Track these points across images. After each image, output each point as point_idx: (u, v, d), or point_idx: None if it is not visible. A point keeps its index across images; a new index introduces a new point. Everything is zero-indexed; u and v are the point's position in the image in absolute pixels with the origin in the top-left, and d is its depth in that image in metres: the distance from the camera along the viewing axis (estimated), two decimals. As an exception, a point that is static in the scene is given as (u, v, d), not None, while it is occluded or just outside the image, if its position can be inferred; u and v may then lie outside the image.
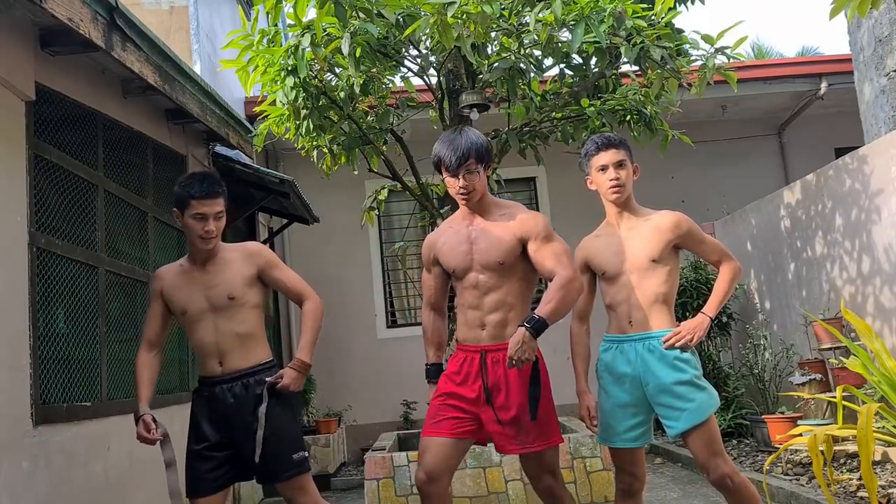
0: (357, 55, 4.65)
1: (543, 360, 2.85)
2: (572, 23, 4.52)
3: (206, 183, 2.97)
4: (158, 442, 2.92)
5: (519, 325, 2.67)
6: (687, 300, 6.75)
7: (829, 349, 5.70)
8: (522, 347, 2.60)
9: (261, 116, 5.60)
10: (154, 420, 2.93)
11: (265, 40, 4.94)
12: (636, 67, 5.02)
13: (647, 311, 2.86)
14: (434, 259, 3.01)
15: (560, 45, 4.92)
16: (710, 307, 2.87)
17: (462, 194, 2.84)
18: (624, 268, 2.91)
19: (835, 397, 4.01)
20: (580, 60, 5.45)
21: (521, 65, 4.98)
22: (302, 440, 3.01)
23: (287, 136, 5.48)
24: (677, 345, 2.77)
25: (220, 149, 6.36)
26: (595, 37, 4.48)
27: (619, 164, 2.92)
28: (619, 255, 2.92)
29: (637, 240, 2.91)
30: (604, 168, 2.93)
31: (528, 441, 2.79)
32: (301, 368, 2.97)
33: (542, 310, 2.66)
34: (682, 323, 2.85)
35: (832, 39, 32.58)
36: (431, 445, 2.80)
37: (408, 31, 4.39)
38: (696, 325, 2.81)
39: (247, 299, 3.01)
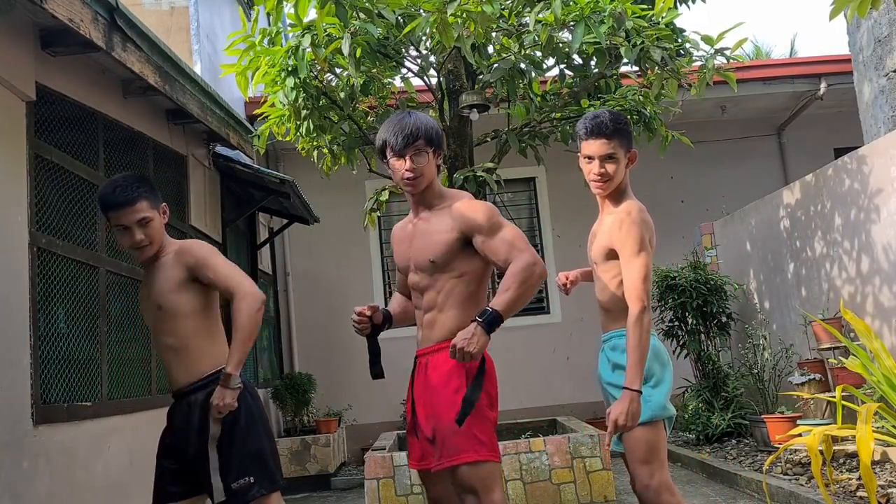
0: (357, 55, 4.66)
1: (492, 363, 2.54)
2: (572, 23, 4.53)
3: (118, 190, 2.69)
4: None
5: (472, 320, 2.39)
6: (686, 300, 6.75)
7: (829, 349, 5.71)
8: (471, 340, 2.33)
9: (261, 118, 5.61)
10: None
11: (266, 40, 4.95)
12: (636, 68, 5.03)
13: (602, 313, 2.70)
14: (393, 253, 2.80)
15: (560, 45, 4.93)
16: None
17: (408, 179, 2.52)
18: (592, 258, 2.73)
19: (834, 397, 4.01)
20: (580, 61, 5.46)
21: (522, 65, 4.99)
22: (247, 465, 2.66)
23: (288, 138, 5.49)
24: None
25: (220, 149, 6.37)
26: (595, 37, 4.49)
27: (608, 157, 2.59)
28: (590, 245, 2.75)
29: (598, 234, 2.69)
30: (590, 158, 2.62)
31: (436, 456, 2.45)
32: (224, 383, 2.65)
33: (496, 300, 2.39)
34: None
35: (830, 39, 32.60)
36: (421, 478, 2.67)
37: (407, 29, 4.40)
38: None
39: (177, 308, 2.71)
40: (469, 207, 2.53)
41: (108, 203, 2.70)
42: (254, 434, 2.71)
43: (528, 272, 2.41)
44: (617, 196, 2.67)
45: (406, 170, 2.52)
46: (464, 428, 2.39)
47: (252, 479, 2.64)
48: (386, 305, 2.87)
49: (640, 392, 2.44)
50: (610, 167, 2.59)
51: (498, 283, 2.51)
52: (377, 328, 2.69)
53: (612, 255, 2.61)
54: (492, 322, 2.38)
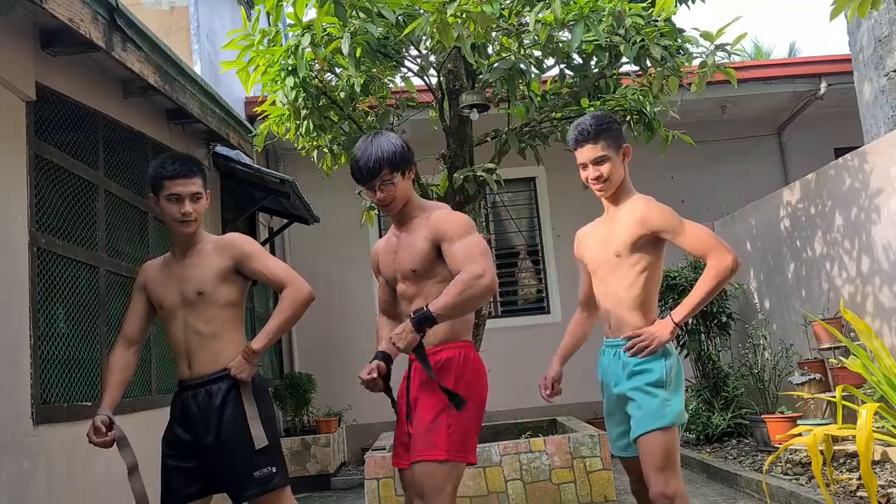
0: (357, 55, 4.66)
1: (480, 364, 2.62)
2: (572, 22, 4.53)
3: (180, 162, 2.78)
4: (116, 445, 2.72)
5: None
6: (687, 300, 6.75)
7: (829, 349, 5.71)
8: (399, 336, 2.45)
9: (261, 116, 5.61)
10: (110, 422, 2.71)
11: (266, 40, 4.95)
12: (636, 67, 5.02)
13: (619, 314, 2.67)
14: (377, 267, 2.85)
15: (560, 45, 4.93)
16: (679, 311, 2.58)
17: (382, 206, 2.65)
18: (600, 260, 2.73)
19: (834, 397, 4.01)
20: (580, 61, 5.45)
21: (521, 65, 4.99)
22: (267, 453, 2.70)
23: (287, 136, 5.48)
24: (633, 350, 2.58)
25: (220, 149, 6.37)
26: (594, 36, 4.48)
27: (599, 161, 2.66)
28: (598, 246, 2.75)
29: (613, 231, 2.69)
30: (584, 165, 2.70)
31: (412, 452, 2.52)
32: (247, 356, 2.71)
33: (434, 303, 2.46)
34: (647, 328, 2.62)
35: (830, 39, 32.59)
36: (402, 478, 2.70)
37: (407, 30, 4.40)
38: (659, 329, 2.59)
39: (218, 296, 2.77)
40: (441, 217, 2.60)
41: (167, 171, 2.74)
42: (275, 428, 2.80)
43: (471, 282, 2.43)
44: (623, 194, 2.72)
45: (377, 200, 2.63)
46: (438, 427, 2.46)
47: (274, 470, 2.71)
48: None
49: (677, 328, 2.56)
50: (604, 169, 2.66)
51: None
52: (387, 377, 2.65)
53: (638, 245, 2.61)
54: (421, 320, 2.44)
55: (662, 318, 2.66)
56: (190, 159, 2.85)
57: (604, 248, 2.72)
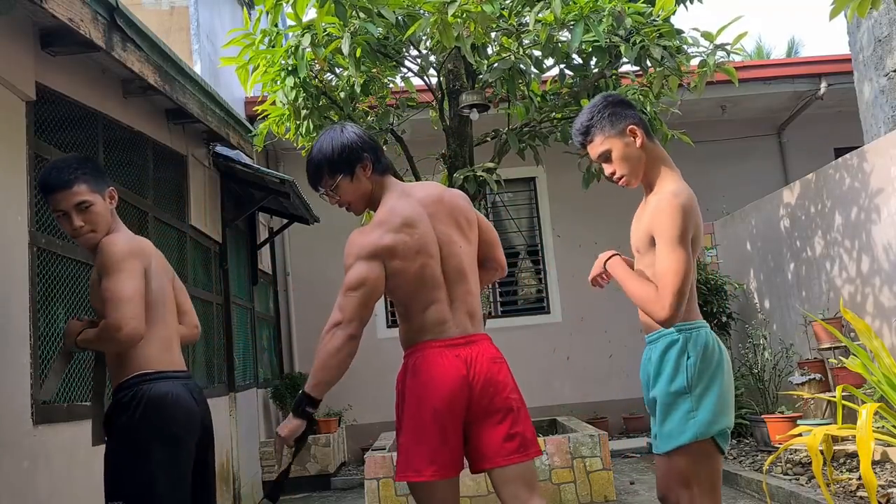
0: (357, 55, 4.66)
1: (421, 376, 2.37)
2: (572, 23, 4.53)
3: (55, 172, 2.46)
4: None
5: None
6: (687, 300, 6.75)
7: (829, 349, 5.71)
8: (283, 425, 2.37)
9: (261, 116, 5.61)
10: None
11: (266, 40, 4.95)
12: (636, 67, 5.03)
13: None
14: None
15: (560, 45, 4.93)
16: (616, 269, 2.45)
17: (347, 210, 2.51)
18: (635, 247, 2.46)
19: (834, 397, 4.01)
20: (580, 61, 5.46)
21: (521, 65, 5.00)
22: (121, 489, 2.41)
23: (287, 136, 5.49)
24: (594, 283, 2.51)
25: (220, 149, 6.37)
26: (594, 36, 4.49)
27: (603, 157, 2.43)
28: (632, 233, 2.49)
29: (639, 220, 2.44)
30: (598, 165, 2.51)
31: None
32: (72, 334, 2.53)
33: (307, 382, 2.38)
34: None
35: (830, 39, 32.59)
36: None
37: (409, 32, 4.40)
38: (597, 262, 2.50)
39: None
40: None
41: (44, 186, 2.49)
42: (151, 461, 2.41)
43: (324, 338, 2.42)
44: (654, 175, 2.45)
45: (337, 205, 2.46)
46: (400, 445, 2.35)
47: None
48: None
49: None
50: (614, 166, 2.42)
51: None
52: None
53: (648, 245, 2.35)
54: (298, 403, 2.39)
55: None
56: (69, 164, 2.51)
57: (633, 236, 2.48)
